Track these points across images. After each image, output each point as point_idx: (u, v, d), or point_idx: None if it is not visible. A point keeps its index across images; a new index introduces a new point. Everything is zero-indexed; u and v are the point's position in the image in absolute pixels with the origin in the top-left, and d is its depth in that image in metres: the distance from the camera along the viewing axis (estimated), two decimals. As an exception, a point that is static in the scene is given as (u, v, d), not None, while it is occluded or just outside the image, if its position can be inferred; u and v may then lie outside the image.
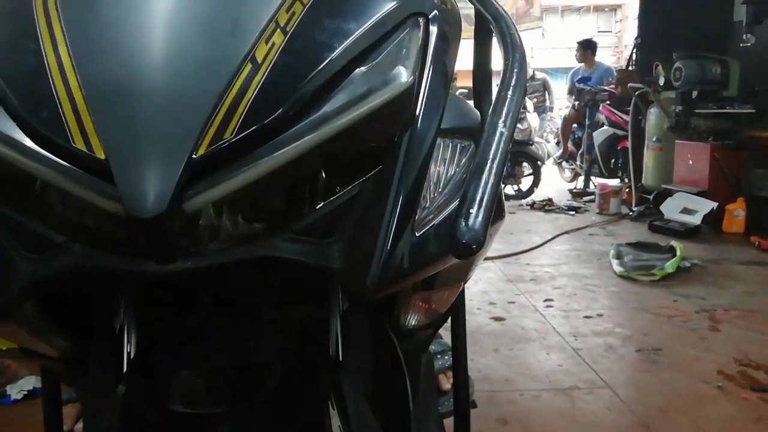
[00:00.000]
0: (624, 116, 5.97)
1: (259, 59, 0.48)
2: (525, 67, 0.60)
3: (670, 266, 3.47)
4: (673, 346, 2.53)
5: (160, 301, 0.63)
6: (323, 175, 0.52)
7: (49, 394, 0.88)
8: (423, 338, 0.85)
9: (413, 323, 0.74)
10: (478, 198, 0.48)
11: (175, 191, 0.43)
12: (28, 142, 0.45)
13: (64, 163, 0.44)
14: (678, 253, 3.62)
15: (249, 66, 0.47)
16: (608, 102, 6.34)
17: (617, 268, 3.56)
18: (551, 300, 3.13)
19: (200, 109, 0.45)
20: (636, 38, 6.43)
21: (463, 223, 0.47)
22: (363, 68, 0.52)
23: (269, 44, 0.49)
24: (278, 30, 0.50)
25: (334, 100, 0.49)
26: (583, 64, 6.98)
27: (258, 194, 0.49)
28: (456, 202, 0.57)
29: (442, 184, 0.58)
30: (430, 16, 0.60)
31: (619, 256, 3.74)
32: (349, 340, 0.61)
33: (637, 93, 5.56)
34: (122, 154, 0.43)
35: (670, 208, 4.72)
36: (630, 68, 6.25)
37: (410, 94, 0.53)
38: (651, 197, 5.26)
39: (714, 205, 4.51)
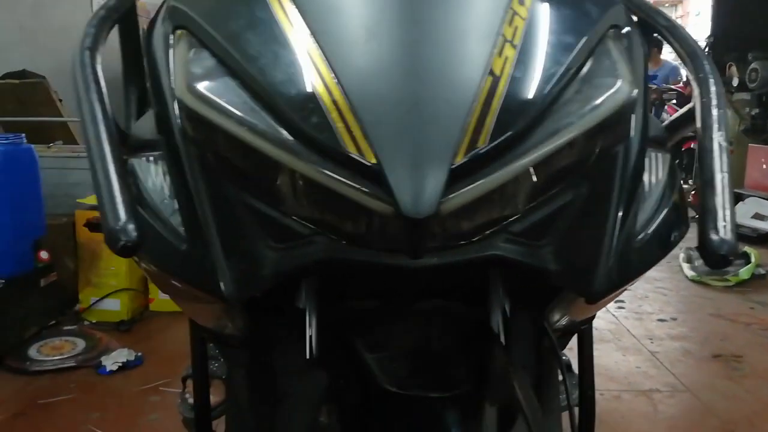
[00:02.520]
0: (692, 117, 5.82)
1: (497, 72, 0.51)
2: (718, 78, 0.62)
3: (745, 272, 3.40)
4: (754, 354, 2.49)
5: (337, 288, 0.67)
6: (536, 179, 0.55)
7: (199, 372, 0.93)
8: (567, 338, 0.88)
9: (565, 321, 0.76)
10: (722, 209, 0.51)
11: (441, 195, 0.46)
12: (301, 147, 0.49)
13: (333, 167, 0.49)
14: (753, 259, 3.54)
15: (489, 79, 0.51)
16: (675, 101, 6.19)
17: (689, 272, 3.51)
18: (622, 301, 3.10)
19: (455, 119, 0.48)
20: (708, 36, 6.24)
21: (715, 236, 0.50)
22: (586, 80, 0.54)
23: (503, 57, 0.52)
24: (507, 43, 0.53)
25: (564, 110, 0.52)
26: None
27: (493, 197, 0.52)
28: (665, 212, 0.59)
29: (646, 195, 0.60)
30: (626, 29, 0.62)
31: (689, 260, 3.67)
32: (513, 337, 0.64)
33: (708, 93, 5.42)
34: (395, 161, 0.47)
35: (741, 213, 4.59)
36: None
37: (633, 104, 0.56)
38: (719, 201, 5.12)
39: (788, 211, 4.39)
